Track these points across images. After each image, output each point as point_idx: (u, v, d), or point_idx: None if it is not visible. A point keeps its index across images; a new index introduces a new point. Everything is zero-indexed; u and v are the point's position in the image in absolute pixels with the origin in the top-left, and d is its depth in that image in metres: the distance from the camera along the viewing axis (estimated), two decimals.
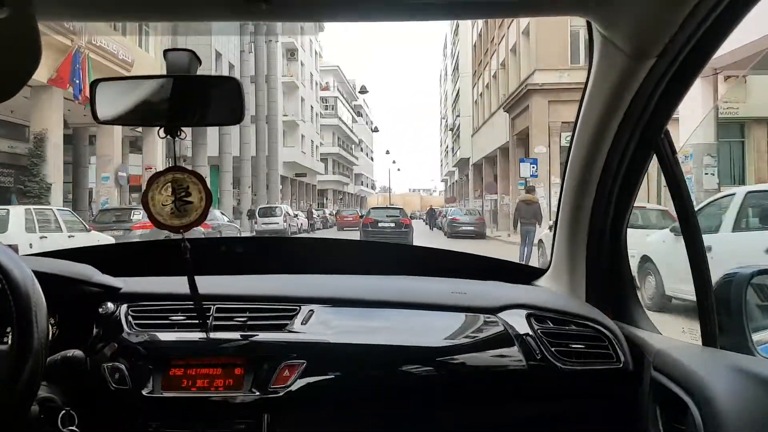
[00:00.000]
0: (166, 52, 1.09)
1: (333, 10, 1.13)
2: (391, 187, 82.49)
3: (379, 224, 20.26)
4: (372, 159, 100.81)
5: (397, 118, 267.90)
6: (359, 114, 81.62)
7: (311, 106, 51.46)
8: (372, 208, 23.67)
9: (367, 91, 51.17)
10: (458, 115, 47.28)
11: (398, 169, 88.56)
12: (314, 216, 37.65)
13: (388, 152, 73.10)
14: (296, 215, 30.60)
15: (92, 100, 1.09)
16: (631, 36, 1.09)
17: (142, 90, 1.12)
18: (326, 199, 64.99)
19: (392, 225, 20.24)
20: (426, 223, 44.09)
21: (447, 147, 64.52)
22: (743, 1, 0.91)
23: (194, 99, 1.13)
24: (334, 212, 46.98)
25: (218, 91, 1.16)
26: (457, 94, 48.99)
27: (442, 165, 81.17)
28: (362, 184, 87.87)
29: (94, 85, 1.10)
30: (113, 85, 1.12)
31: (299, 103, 46.16)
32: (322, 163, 57.73)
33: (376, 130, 57.58)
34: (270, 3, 1.00)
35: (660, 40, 1.05)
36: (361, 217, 26.24)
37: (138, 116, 1.19)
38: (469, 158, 43.85)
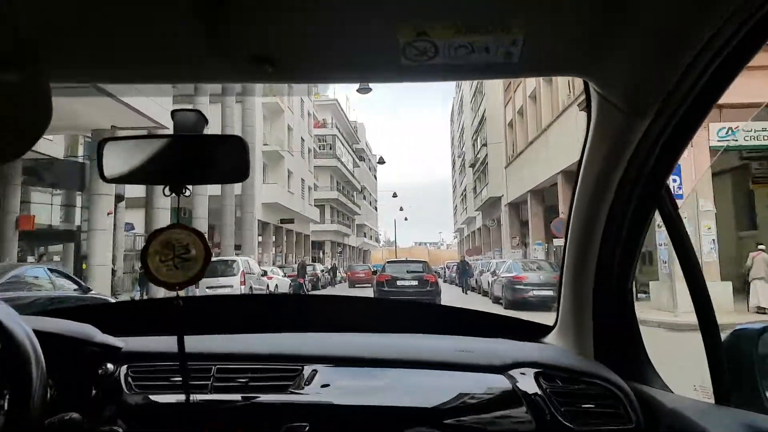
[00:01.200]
0: (174, 112, 1.10)
1: (336, 72, 1.17)
2: (396, 239, 73.53)
3: (398, 282, 16.98)
4: (376, 209, 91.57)
5: (402, 167, 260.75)
6: (361, 158, 72.89)
7: (302, 138, 42.43)
8: (388, 263, 19.16)
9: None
10: (484, 144, 37.85)
11: (405, 219, 78.68)
12: (307, 274, 28.86)
13: (395, 195, 63.45)
14: (265, 273, 20.67)
15: (99, 159, 1.11)
16: (628, 94, 1.11)
17: (148, 149, 1.13)
18: (323, 252, 55.22)
19: (414, 283, 16.90)
20: (454, 282, 34.12)
21: (465, 189, 54.98)
22: (737, 58, 0.92)
23: (200, 157, 1.14)
24: (329, 268, 36.93)
25: (223, 149, 1.17)
26: (481, 120, 39.77)
27: (456, 213, 71.39)
28: (365, 236, 78.02)
29: (101, 144, 1.11)
30: (120, 144, 1.14)
31: (285, 131, 37.07)
32: (317, 209, 48.14)
33: (381, 161, 50.09)
34: (275, 66, 1.04)
35: (656, 99, 1.06)
36: (374, 273, 23.92)
37: (144, 175, 1.19)
38: (501, 197, 34.26)
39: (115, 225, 22.96)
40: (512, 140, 31.03)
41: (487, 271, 22.11)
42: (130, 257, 22.66)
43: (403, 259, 21.92)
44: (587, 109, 1.25)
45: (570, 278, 1.49)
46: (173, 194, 1.09)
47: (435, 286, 17.27)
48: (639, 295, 14.20)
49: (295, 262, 35.41)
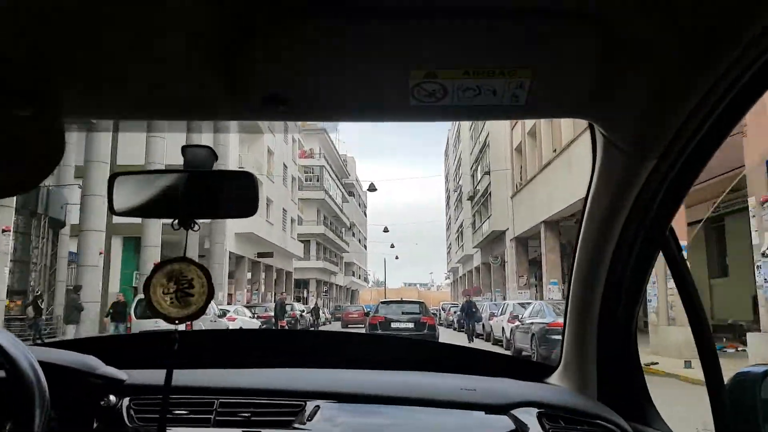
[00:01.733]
0: (184, 148, 1.11)
1: (347, 112, 1.19)
2: (386, 279, 69.54)
3: (393, 325, 15.75)
4: (365, 247, 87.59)
5: (393, 205, 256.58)
6: (351, 193, 69.39)
7: (285, 165, 38.71)
8: (381, 303, 17.84)
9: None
10: (486, 172, 34.16)
11: (396, 257, 74.38)
12: (286, 313, 25.06)
13: (386, 229, 60.00)
14: (224, 314, 16.65)
15: (110, 194, 1.12)
16: (632, 137, 1.12)
17: (158, 184, 1.15)
18: (307, 291, 51.00)
19: (410, 326, 15.75)
20: (452, 326, 30.42)
21: (461, 225, 50.96)
22: (742, 101, 0.94)
23: (209, 193, 1.16)
24: (311, 309, 32.81)
25: (233, 184, 1.19)
26: (483, 146, 36.12)
27: (450, 252, 67.33)
28: (353, 275, 73.78)
29: (112, 178, 1.13)
30: (131, 179, 1.16)
31: (265, 154, 33.42)
32: (301, 245, 44.16)
33: (372, 188, 46.51)
34: (287, 105, 1.06)
35: (660, 142, 1.07)
36: (366, 314, 22.59)
37: (153, 209, 1.20)
38: (505, 231, 30.52)
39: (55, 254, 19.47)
40: (520, 166, 27.47)
41: (500, 314, 18.26)
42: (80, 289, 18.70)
43: (398, 299, 19.84)
44: (592, 151, 1.27)
45: (574, 319, 1.50)
46: (181, 228, 1.10)
47: (433, 329, 16.06)
48: None
49: (274, 301, 31.40)
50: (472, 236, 41.71)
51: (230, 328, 16.15)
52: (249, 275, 32.67)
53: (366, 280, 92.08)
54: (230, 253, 28.24)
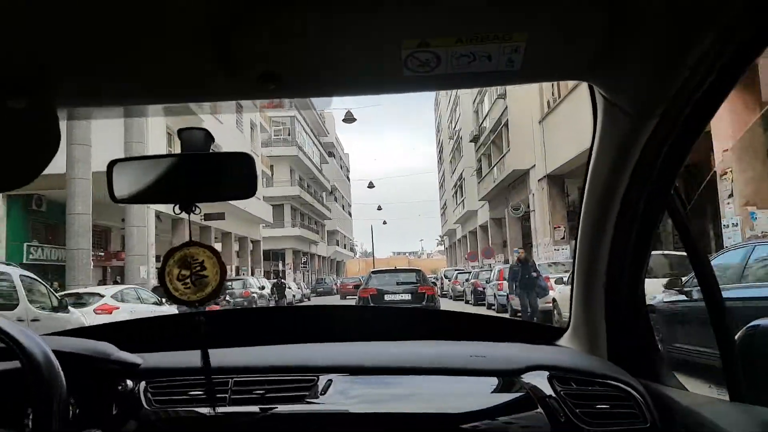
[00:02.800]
0: (180, 131, 1.13)
1: (341, 86, 1.19)
2: (374, 247, 62.58)
3: (386, 297, 13.65)
4: (350, 214, 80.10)
5: (375, 165, 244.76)
6: (331, 154, 61.53)
7: (240, 105, 30.63)
8: (373, 273, 15.23)
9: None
10: (500, 96, 26.19)
11: (384, 222, 67.14)
12: (285, 297, 23.30)
13: (371, 185, 52.50)
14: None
15: (109, 180, 1.12)
16: (633, 97, 1.11)
17: (157, 169, 1.16)
18: (282, 263, 43.52)
19: (407, 297, 13.67)
20: (468, 300, 22.82)
21: (461, 178, 42.54)
22: (742, 59, 0.92)
23: (209, 175, 1.17)
24: (275, 285, 25.13)
25: (232, 166, 1.20)
26: None
27: (445, 213, 59.50)
28: (338, 245, 66.29)
29: (111, 165, 1.13)
30: (129, 165, 1.16)
31: None
32: (271, 208, 36.41)
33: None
34: (281, 82, 1.06)
35: (662, 100, 1.06)
36: (356, 287, 21.72)
37: (154, 194, 1.23)
38: (530, 169, 23.02)
39: None
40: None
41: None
42: None
43: (392, 268, 17.36)
44: (593, 113, 1.26)
45: (581, 280, 1.51)
46: (183, 212, 1.11)
47: (433, 300, 14.02)
48: None
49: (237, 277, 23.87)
50: (478, 186, 33.92)
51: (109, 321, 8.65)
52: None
53: (352, 250, 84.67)
54: (161, 213, 20.58)
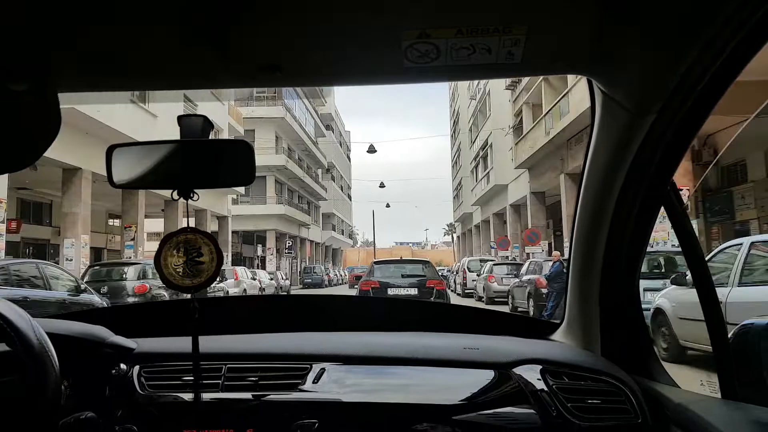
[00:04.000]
0: (180, 118, 1.13)
1: (341, 76, 1.20)
2: (375, 235, 55.10)
3: (390, 291, 12.19)
4: (350, 197, 72.18)
5: (388, 164, 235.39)
6: (329, 127, 53.41)
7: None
8: (375, 264, 13.42)
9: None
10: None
11: (387, 205, 58.88)
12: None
13: (382, 185, 44.76)
14: None
15: (108, 165, 1.13)
16: (632, 93, 1.11)
17: (156, 155, 1.16)
18: (262, 248, 35.68)
19: (413, 292, 12.15)
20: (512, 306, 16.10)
21: (486, 145, 33.88)
22: (741, 55, 0.92)
23: (207, 162, 1.17)
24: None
25: (230, 153, 1.19)
26: None
27: (459, 194, 51.49)
28: (334, 230, 58.27)
29: (110, 150, 1.14)
30: (128, 151, 1.16)
31: None
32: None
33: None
34: (282, 71, 1.07)
35: (660, 96, 1.06)
36: (357, 278, 18.37)
37: (152, 180, 1.20)
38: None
39: None
40: None
41: None
42: None
43: (397, 258, 14.62)
44: (591, 108, 1.26)
45: (576, 275, 1.50)
46: (181, 198, 1.11)
47: (443, 296, 12.23)
48: None
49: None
50: (514, 149, 25.78)
51: None
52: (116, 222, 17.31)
53: (351, 237, 76.87)
54: (98, 177, 12.61)
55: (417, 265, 13.21)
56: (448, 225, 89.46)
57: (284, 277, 28.46)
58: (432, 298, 11.96)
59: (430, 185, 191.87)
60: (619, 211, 1.30)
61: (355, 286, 32.58)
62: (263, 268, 34.82)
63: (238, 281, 20.53)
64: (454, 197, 52.16)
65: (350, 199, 72.29)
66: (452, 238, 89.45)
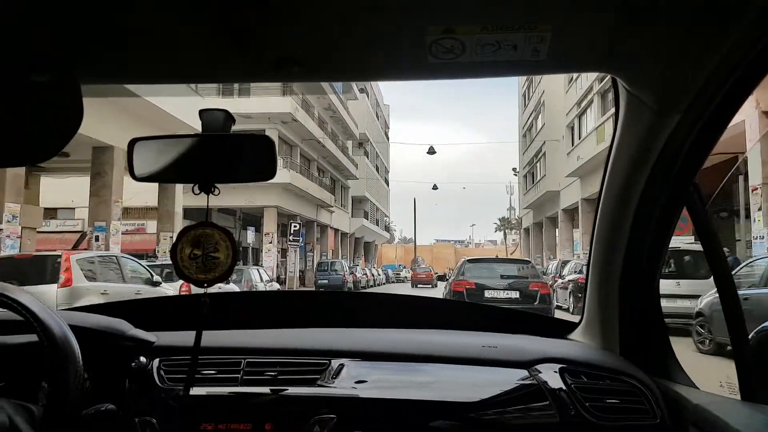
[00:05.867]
0: (201, 112, 1.13)
1: (363, 71, 1.21)
2: (415, 225, 45.43)
3: (487, 294, 10.79)
4: (387, 182, 60.77)
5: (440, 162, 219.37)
6: (362, 90, 41.97)
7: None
8: (468, 262, 11.82)
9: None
10: None
11: (434, 187, 46.98)
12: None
13: (435, 187, 34.46)
14: None
15: (130, 158, 1.13)
16: (657, 92, 1.10)
17: (178, 148, 1.16)
18: (256, 233, 24.49)
19: (514, 296, 10.83)
20: None
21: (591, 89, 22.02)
22: (766, 56, 0.91)
23: (228, 157, 1.16)
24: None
25: (251, 148, 1.19)
26: None
27: (532, 176, 38.98)
28: (366, 218, 46.78)
29: (132, 143, 1.14)
30: (150, 144, 1.16)
31: None
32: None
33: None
34: (302, 65, 1.07)
35: (686, 96, 1.05)
36: (440, 277, 17.98)
37: (173, 174, 1.22)
38: None
39: None
40: None
41: None
42: None
43: (493, 257, 15.05)
44: (615, 107, 1.25)
45: (596, 275, 1.49)
46: (202, 192, 1.11)
47: (547, 300, 10.75)
48: None
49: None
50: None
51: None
52: None
53: (387, 229, 65.26)
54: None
55: (516, 265, 11.89)
56: (500, 219, 76.97)
57: (267, 279, 16.99)
58: (535, 303, 10.57)
59: (479, 185, 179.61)
60: (640, 211, 1.29)
61: (418, 285, 32.64)
62: (257, 263, 23.67)
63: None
64: (524, 176, 39.88)
65: (387, 185, 60.89)
66: (504, 235, 77.62)
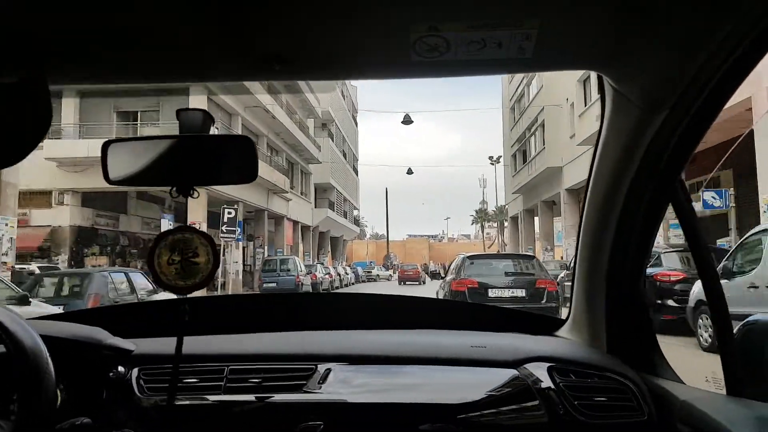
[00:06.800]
0: (179, 111, 1.09)
1: (346, 69, 1.18)
2: (387, 219, 43.64)
3: (491, 293, 9.91)
4: (356, 172, 55.11)
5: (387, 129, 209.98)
6: None
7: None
8: (469, 259, 10.66)
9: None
10: None
11: (409, 171, 41.48)
12: None
13: (410, 171, 29.03)
14: None
15: (104, 162, 1.09)
16: (643, 89, 1.10)
17: (154, 150, 1.11)
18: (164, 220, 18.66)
19: (520, 294, 9.98)
20: None
21: None
22: (753, 54, 0.91)
23: (207, 158, 1.12)
24: None
25: (231, 149, 1.15)
26: None
27: (522, 153, 33.35)
28: (331, 208, 40.93)
29: (105, 146, 1.09)
30: (125, 146, 1.12)
31: None
32: None
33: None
34: (284, 64, 1.05)
35: (672, 94, 1.05)
36: (433, 274, 17.52)
37: (150, 177, 1.16)
38: None
39: None
40: None
41: None
42: None
43: (494, 253, 14.00)
44: (601, 104, 1.24)
45: (583, 271, 1.49)
46: (180, 195, 1.06)
47: (555, 298, 10.00)
48: None
49: None
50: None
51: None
52: None
53: (357, 223, 59.46)
54: None
55: (521, 262, 11.01)
56: (477, 211, 72.06)
57: (146, 286, 10.92)
58: (543, 302, 9.85)
59: (453, 178, 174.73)
60: (626, 207, 1.28)
61: (407, 283, 32.10)
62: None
63: None
64: (514, 155, 34.54)
65: (356, 174, 55.21)
66: (481, 227, 72.79)
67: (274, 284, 19.47)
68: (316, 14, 0.91)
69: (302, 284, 20.10)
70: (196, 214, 19.12)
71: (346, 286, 32.75)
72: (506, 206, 40.36)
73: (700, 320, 8.02)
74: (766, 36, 0.86)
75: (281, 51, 1.01)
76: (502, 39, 0.96)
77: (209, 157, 1.12)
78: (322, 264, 30.62)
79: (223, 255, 19.90)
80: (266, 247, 26.22)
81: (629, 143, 1.20)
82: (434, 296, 12.49)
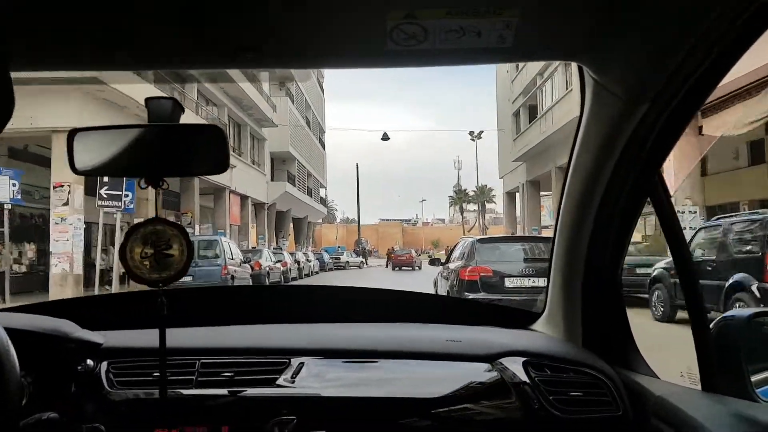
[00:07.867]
0: (147, 100, 1.07)
1: (321, 58, 1.17)
2: (358, 197, 41.05)
3: (508, 283, 8.55)
4: (323, 145, 48.57)
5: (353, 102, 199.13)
6: None
7: None
8: (480, 242, 9.38)
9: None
10: None
11: (385, 137, 35.37)
12: None
13: (386, 136, 23.07)
14: None
15: (70, 150, 1.06)
16: (624, 81, 1.10)
17: (122, 139, 1.09)
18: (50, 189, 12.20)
19: (539, 283, 8.53)
20: None
21: None
22: (736, 46, 0.91)
23: (177, 148, 1.10)
24: None
25: (201, 139, 1.13)
26: None
27: (526, 114, 27.29)
28: (292, 183, 34.33)
29: (72, 134, 1.07)
30: (92, 135, 1.09)
31: None
32: None
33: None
34: (260, 52, 1.05)
35: (653, 86, 1.05)
36: (432, 260, 15.06)
37: (118, 167, 1.16)
38: None
39: None
40: None
41: None
42: None
43: (509, 235, 12.09)
44: (581, 96, 1.23)
45: (559, 265, 1.48)
46: (149, 187, 1.04)
47: None
48: None
49: None
50: None
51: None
52: None
53: (324, 203, 52.92)
54: None
55: (540, 246, 9.33)
56: (456, 192, 66.33)
57: None
58: None
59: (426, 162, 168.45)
60: (605, 201, 1.28)
61: (404, 268, 33.36)
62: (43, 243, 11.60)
63: None
64: (516, 113, 28.31)
65: (323, 148, 48.71)
66: (461, 209, 67.17)
67: (189, 277, 13.11)
68: (291, 3, 0.89)
69: (230, 276, 13.88)
70: (59, 173, 12.52)
71: (307, 276, 26.47)
72: (503, 178, 34.31)
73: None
74: (749, 28, 0.85)
75: (254, 40, 1.00)
76: (481, 28, 0.94)
77: (179, 147, 1.08)
78: (281, 249, 24.38)
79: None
80: (198, 227, 19.76)
81: (609, 135, 1.17)
82: (431, 285, 11.12)
